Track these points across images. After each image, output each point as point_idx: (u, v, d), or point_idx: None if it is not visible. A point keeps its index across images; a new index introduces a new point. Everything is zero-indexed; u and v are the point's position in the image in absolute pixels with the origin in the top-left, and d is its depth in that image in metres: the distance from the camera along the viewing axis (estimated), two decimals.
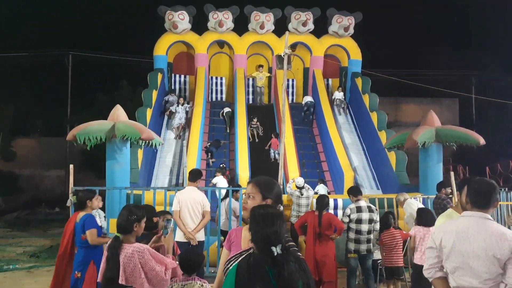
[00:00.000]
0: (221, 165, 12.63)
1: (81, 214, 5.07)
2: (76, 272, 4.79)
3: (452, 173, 9.71)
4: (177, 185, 12.32)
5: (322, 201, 6.63)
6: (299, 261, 2.34)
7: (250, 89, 17.34)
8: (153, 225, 3.98)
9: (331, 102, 16.14)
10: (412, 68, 25.36)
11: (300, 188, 8.79)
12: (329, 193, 12.53)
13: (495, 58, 23.72)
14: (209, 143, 14.43)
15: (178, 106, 15.06)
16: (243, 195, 2.81)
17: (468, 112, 26.15)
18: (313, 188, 12.38)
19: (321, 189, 12.31)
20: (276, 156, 13.22)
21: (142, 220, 3.30)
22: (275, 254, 2.25)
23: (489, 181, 2.92)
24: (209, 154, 14.02)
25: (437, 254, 2.86)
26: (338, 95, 16.48)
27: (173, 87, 17.23)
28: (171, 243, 3.54)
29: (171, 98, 15.86)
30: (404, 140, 10.09)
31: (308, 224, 6.64)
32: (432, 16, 25.62)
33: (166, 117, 15.60)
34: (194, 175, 6.54)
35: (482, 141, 9.52)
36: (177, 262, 3.48)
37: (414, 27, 26.38)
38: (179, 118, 14.82)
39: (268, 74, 16.86)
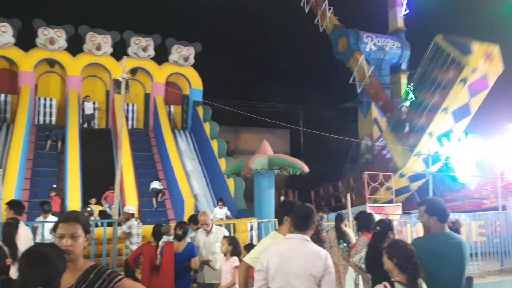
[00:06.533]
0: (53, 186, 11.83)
1: None
2: None
3: (282, 198, 10.50)
4: None
5: (158, 230, 6.35)
6: None
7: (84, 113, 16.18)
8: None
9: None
10: (250, 100, 27.12)
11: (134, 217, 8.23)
12: (163, 189, 13.55)
13: (318, 94, 27.07)
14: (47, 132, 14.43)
15: None
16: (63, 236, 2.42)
17: (297, 142, 28.98)
18: (148, 185, 13.30)
19: (154, 184, 13.27)
20: (108, 211, 11.82)
21: None
22: None
23: (309, 205, 3.13)
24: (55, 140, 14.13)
25: (264, 277, 2.94)
26: None
27: None
28: None
29: None
30: (241, 167, 10.52)
31: (143, 257, 6.26)
32: (267, 52, 28.07)
33: None
34: (20, 207, 5.42)
35: (306, 169, 10.41)
36: None
37: (252, 61, 28.41)
38: None
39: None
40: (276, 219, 8.98)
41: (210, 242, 5.97)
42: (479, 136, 15.83)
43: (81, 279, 2.33)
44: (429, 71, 16.47)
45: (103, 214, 11.72)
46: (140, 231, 8.17)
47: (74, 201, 11.13)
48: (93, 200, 11.80)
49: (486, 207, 14.14)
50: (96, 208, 11.53)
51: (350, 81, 20.17)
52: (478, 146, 15.33)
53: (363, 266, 4.24)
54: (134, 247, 7.55)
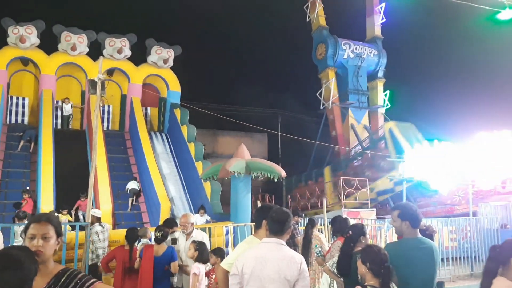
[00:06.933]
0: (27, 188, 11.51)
1: None
2: None
3: (259, 202, 10.48)
4: None
5: (132, 233, 6.24)
6: None
7: (59, 113, 15.78)
8: None
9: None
10: (228, 103, 27.10)
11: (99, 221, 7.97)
12: (140, 189, 13.30)
13: (297, 99, 27.30)
14: (21, 133, 13.99)
15: None
16: (35, 237, 2.35)
17: (275, 146, 29.09)
18: (123, 188, 13.10)
19: (132, 184, 13.03)
20: (82, 218, 11.53)
21: None
22: None
23: (285, 210, 3.12)
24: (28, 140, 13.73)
25: (239, 281, 2.92)
26: None
27: None
28: None
29: None
30: (218, 171, 10.45)
31: (116, 261, 6.13)
32: (246, 56, 28.18)
33: None
34: None
35: (283, 173, 10.41)
36: None
37: (231, 65, 28.44)
38: None
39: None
40: (252, 223, 9.03)
41: None
42: (451, 143, 16.25)
43: (51, 282, 2.28)
44: (375, 147, 17.73)
45: (77, 220, 11.45)
46: (106, 235, 7.87)
47: (47, 204, 10.83)
48: (65, 211, 11.45)
49: (457, 213, 14.50)
50: (66, 217, 11.14)
51: (317, 94, 20.57)
52: (450, 153, 15.72)
53: (336, 270, 4.27)
54: (100, 252, 7.40)
